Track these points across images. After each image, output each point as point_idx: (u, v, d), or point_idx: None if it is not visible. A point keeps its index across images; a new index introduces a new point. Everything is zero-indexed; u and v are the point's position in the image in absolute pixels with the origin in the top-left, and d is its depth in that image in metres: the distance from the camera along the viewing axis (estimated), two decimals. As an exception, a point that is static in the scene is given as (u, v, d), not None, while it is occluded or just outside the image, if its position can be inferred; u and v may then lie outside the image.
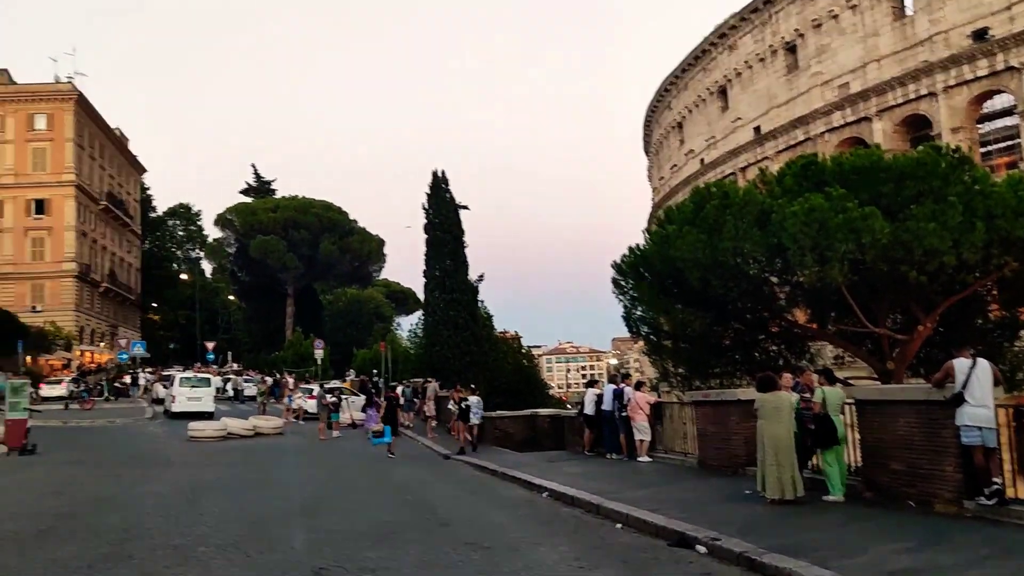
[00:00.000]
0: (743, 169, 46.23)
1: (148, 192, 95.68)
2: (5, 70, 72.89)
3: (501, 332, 42.70)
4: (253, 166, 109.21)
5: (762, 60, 45.98)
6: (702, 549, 8.44)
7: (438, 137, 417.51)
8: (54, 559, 8.54)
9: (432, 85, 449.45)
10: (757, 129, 46.25)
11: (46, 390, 43.17)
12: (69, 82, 71.00)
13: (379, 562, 8.30)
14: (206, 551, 8.95)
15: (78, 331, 68.82)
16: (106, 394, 46.94)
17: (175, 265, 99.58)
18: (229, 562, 8.42)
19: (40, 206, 69.23)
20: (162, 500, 12.93)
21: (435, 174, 37.25)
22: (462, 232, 37.10)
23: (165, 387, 41.54)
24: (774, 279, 14.83)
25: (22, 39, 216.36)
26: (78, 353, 67.63)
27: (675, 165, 57.30)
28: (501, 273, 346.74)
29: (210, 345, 69.21)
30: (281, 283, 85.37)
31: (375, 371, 43.52)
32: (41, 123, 69.90)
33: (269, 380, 47.40)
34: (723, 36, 49.46)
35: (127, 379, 54.85)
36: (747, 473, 12.61)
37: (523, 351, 43.48)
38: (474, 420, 24.30)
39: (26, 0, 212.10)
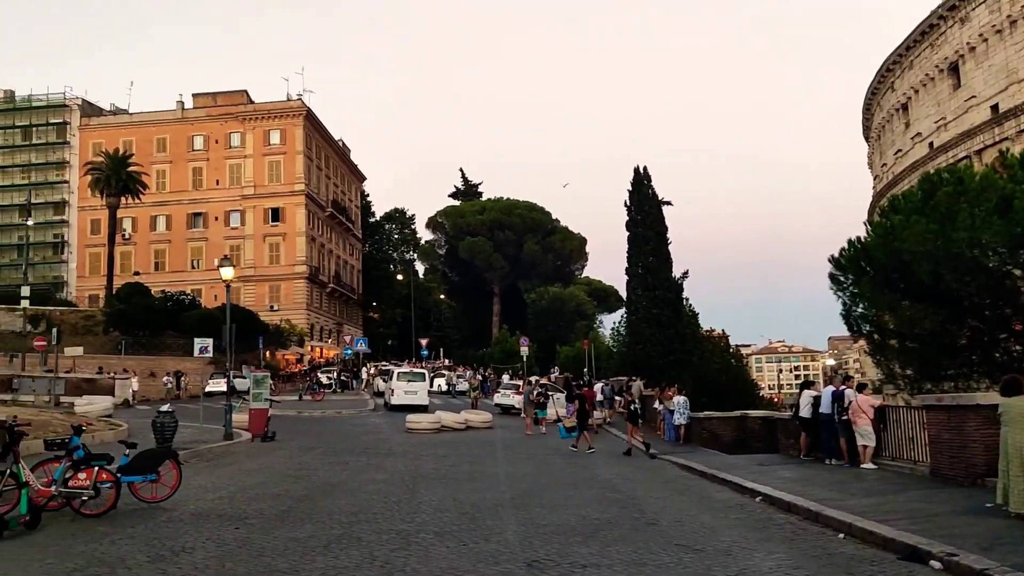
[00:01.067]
0: (979, 152, 42.09)
1: (367, 198, 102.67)
2: (245, 91, 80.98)
3: (707, 331, 41.65)
4: (461, 170, 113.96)
5: (999, 32, 41.62)
6: (937, 565, 7.76)
7: (642, 131, 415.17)
8: (294, 538, 9.37)
9: (633, 76, 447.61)
10: (995, 108, 41.91)
11: (321, 378, 51.54)
12: (299, 99, 77.76)
13: (589, 558, 8.37)
14: (426, 537, 9.47)
15: (309, 328, 75.27)
16: (335, 387, 51.07)
17: (391, 266, 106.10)
18: (447, 549, 8.84)
19: (275, 214, 76.43)
20: (385, 487, 13.84)
21: (637, 170, 36.99)
22: (665, 228, 36.56)
23: (384, 381, 44.50)
24: (1017, 272, 13.42)
25: (259, 60, 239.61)
26: (308, 348, 73.91)
27: (899, 150, 53.20)
28: (707, 270, 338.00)
29: (423, 342, 72.93)
30: (487, 282, 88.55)
31: (586, 370, 44.04)
32: (275, 138, 77.19)
33: (479, 376, 49.37)
34: (953, 8, 45.30)
35: (364, 373, 59.74)
36: (986, 484, 11.47)
37: (731, 350, 42.13)
38: (680, 420, 24.07)
39: (261, 24, 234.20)
